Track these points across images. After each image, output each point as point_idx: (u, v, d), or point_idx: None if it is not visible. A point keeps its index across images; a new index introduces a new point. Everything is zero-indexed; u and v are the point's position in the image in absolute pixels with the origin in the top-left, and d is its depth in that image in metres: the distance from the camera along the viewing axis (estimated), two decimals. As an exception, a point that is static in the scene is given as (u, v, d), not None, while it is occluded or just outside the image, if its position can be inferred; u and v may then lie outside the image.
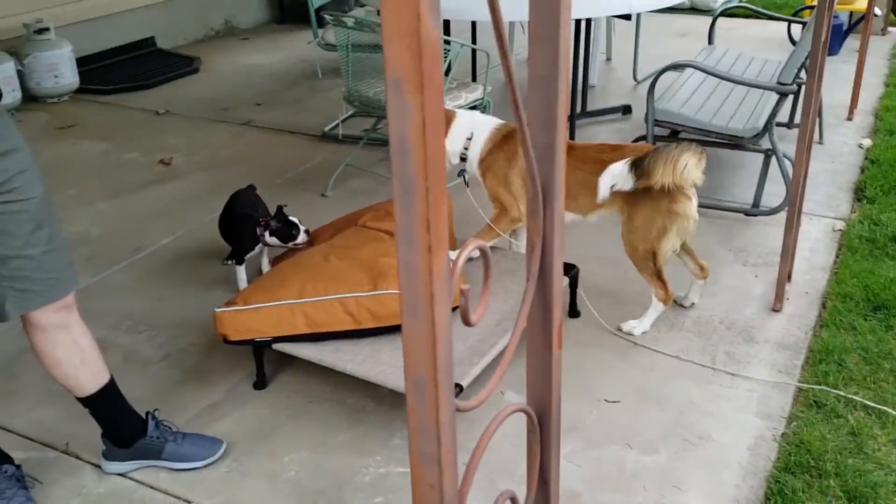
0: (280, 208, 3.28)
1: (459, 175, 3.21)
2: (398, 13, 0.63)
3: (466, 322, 0.83)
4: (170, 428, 2.50)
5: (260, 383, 2.83)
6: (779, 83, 3.79)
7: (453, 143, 3.11)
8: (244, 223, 3.29)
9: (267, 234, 3.21)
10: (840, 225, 3.84)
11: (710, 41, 5.15)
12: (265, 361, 2.82)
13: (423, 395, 0.76)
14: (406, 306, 0.73)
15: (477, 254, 0.86)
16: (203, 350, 3.05)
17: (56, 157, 4.90)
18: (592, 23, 5.17)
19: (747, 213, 3.96)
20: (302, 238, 3.23)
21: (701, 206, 4.13)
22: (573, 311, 3.19)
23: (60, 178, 4.58)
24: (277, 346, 2.75)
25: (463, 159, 3.13)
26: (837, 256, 3.58)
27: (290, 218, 3.24)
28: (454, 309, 0.84)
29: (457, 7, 3.93)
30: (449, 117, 3.11)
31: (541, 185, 0.90)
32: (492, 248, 3.21)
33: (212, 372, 2.93)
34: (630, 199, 2.90)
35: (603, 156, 2.93)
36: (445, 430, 0.76)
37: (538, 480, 1.09)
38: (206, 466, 2.48)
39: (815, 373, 2.81)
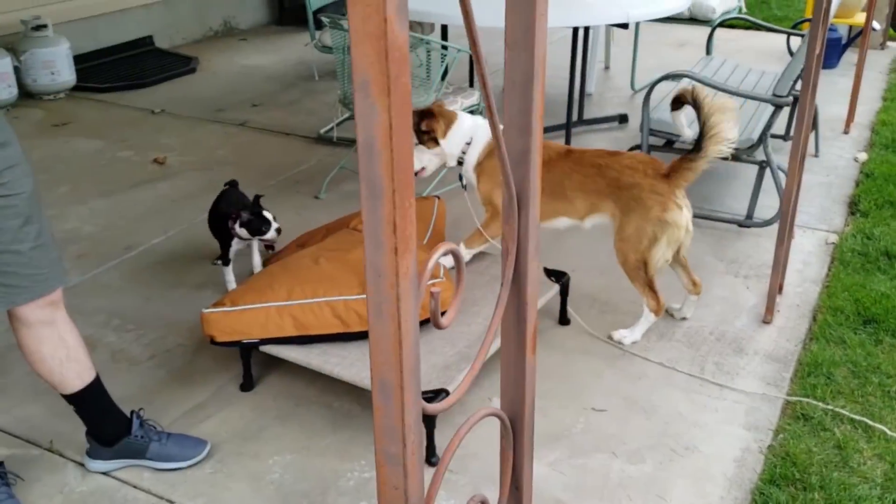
0: (257, 198, 3.25)
1: (461, 179, 3.20)
2: (365, 15, 0.62)
3: (437, 325, 0.82)
4: (154, 427, 2.49)
5: (246, 385, 2.81)
6: (774, 95, 3.79)
7: (452, 147, 3.09)
8: (224, 221, 3.29)
9: (237, 225, 3.19)
10: (833, 238, 3.84)
11: (709, 52, 5.16)
12: (252, 363, 2.80)
13: (389, 396, 0.75)
14: (372, 307, 0.73)
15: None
16: (190, 350, 3.03)
17: (50, 154, 4.90)
18: (590, 31, 5.18)
19: (741, 225, 3.95)
20: (272, 235, 3.20)
21: (695, 216, 4.14)
22: (563, 319, 3.19)
23: (54, 175, 4.57)
24: (265, 348, 2.74)
25: (460, 163, 3.13)
26: (829, 270, 3.58)
27: (265, 213, 3.20)
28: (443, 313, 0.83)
29: (450, 13, 3.94)
30: (450, 119, 3.10)
31: (515, 190, 0.90)
32: (483, 253, 3.20)
33: (198, 372, 2.92)
34: (622, 207, 2.89)
35: (600, 160, 2.93)
36: (411, 432, 0.76)
37: (510, 485, 1.08)
38: (189, 467, 2.47)
39: (803, 385, 2.81)
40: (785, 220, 3.12)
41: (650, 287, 2.96)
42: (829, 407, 2.69)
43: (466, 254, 3.14)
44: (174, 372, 2.92)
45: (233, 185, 3.57)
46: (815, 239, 3.85)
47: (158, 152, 4.89)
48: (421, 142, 3.09)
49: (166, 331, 3.15)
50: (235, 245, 3.26)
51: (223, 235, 3.30)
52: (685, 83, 4.51)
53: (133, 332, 3.16)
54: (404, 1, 0.63)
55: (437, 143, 3.08)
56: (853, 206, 4.18)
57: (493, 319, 0.92)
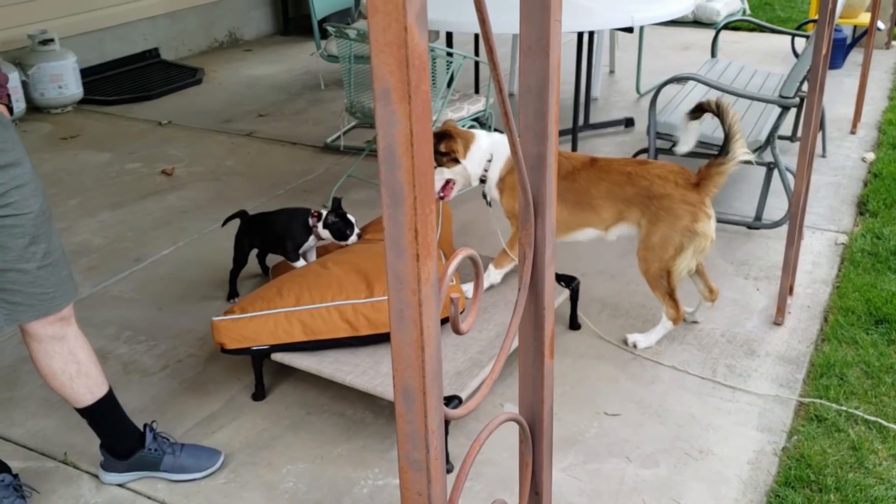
0: (338, 201, 3.18)
1: (484, 197, 3.18)
2: (386, 24, 0.63)
3: (456, 330, 0.82)
4: (167, 440, 2.49)
5: (259, 394, 2.82)
6: (780, 97, 3.78)
7: (474, 165, 3.06)
8: (294, 216, 3.21)
9: (321, 225, 3.15)
10: (843, 238, 3.83)
11: (713, 54, 5.16)
12: (264, 372, 2.81)
13: (413, 401, 0.75)
14: (394, 313, 0.73)
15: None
16: (202, 361, 3.04)
17: (59, 167, 4.92)
18: (595, 35, 5.18)
19: (749, 227, 3.94)
20: (353, 240, 3.13)
21: None
22: (574, 324, 3.18)
23: (63, 188, 4.59)
24: (276, 357, 2.74)
25: (483, 181, 3.11)
26: (839, 270, 3.57)
27: (349, 216, 3.13)
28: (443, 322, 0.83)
29: (455, 20, 3.96)
30: (469, 139, 3.07)
31: (532, 196, 0.90)
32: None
33: (211, 382, 2.92)
34: (650, 216, 2.88)
35: (629, 168, 2.92)
36: (434, 438, 0.76)
37: (530, 491, 1.08)
38: (204, 478, 2.48)
39: (816, 387, 2.80)
40: (794, 221, 3.11)
41: (671, 296, 2.95)
42: (843, 408, 2.68)
43: (496, 275, 3.11)
44: (186, 382, 2.93)
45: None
46: (825, 239, 3.84)
47: (166, 164, 4.91)
48: (440, 164, 3.06)
49: (178, 341, 3.16)
50: (308, 244, 3.21)
51: (289, 231, 3.22)
52: (692, 87, 4.52)
53: (144, 343, 3.16)
54: (424, 9, 0.64)
55: (457, 163, 3.06)
56: (862, 206, 4.17)
57: (512, 323, 0.93)
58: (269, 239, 3.32)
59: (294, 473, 2.50)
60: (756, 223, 3.95)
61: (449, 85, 4.05)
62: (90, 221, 4.21)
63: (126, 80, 6.48)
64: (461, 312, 2.63)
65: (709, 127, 4.04)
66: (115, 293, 3.53)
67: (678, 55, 6.94)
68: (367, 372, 2.62)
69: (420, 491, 0.79)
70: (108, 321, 3.30)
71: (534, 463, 1.07)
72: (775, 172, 3.94)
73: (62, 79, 5.84)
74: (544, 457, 1.08)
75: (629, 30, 4.65)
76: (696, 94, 4.41)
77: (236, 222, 3.42)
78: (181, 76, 6.60)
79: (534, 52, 0.86)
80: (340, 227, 3.12)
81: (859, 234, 3.84)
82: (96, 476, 2.48)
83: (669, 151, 4.36)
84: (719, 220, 4.05)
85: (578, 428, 2.66)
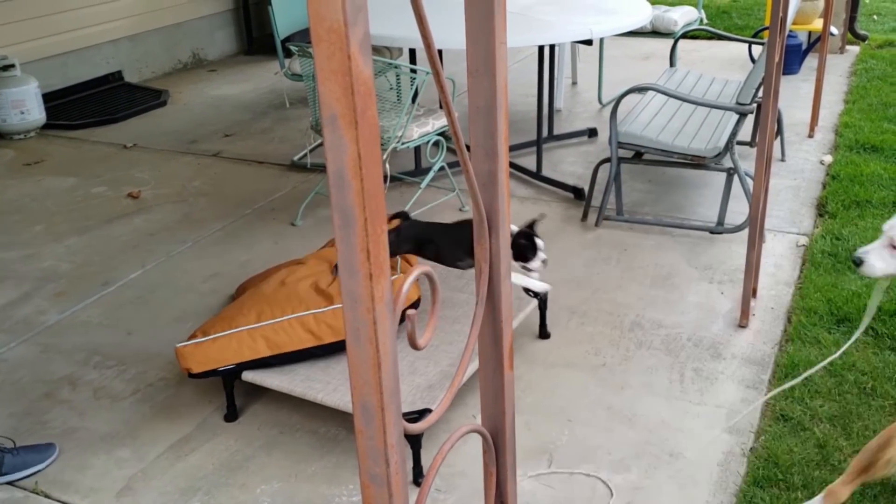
0: (533, 223, 2.98)
1: None
2: (329, 52, 0.65)
3: (414, 346, 0.85)
4: (3, 446, 2.61)
5: (231, 415, 2.81)
6: (737, 103, 3.86)
7: None
8: (462, 229, 3.00)
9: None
10: (803, 240, 3.91)
11: (672, 63, 5.24)
12: (235, 394, 2.80)
13: (371, 418, 0.77)
14: (350, 332, 0.75)
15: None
16: (173, 384, 3.03)
17: (24, 193, 4.88)
18: (556, 48, 5.25)
19: (712, 231, 4.01)
20: (536, 265, 2.92)
21: (667, 225, 4.21)
22: (544, 333, 3.21)
23: (28, 214, 4.55)
24: (247, 377, 2.74)
25: None
26: (801, 271, 3.64)
27: (537, 239, 2.93)
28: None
29: (403, 36, 4.04)
30: None
31: (486, 212, 0.93)
32: (461, 273, 3.23)
33: (182, 406, 2.91)
34: None
35: None
36: (394, 452, 0.78)
37: (495, 501, 1.10)
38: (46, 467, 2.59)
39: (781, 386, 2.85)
40: (755, 224, 3.17)
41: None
42: (808, 406, 2.74)
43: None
44: (158, 406, 2.91)
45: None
46: (786, 242, 3.91)
47: (132, 186, 4.89)
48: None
49: (148, 365, 3.14)
50: None
51: (460, 243, 3.01)
52: (652, 96, 4.59)
53: (114, 367, 3.14)
54: (367, 37, 0.66)
55: None
56: (821, 208, 4.25)
57: (470, 338, 0.95)
58: (439, 249, 3.07)
59: (268, 493, 2.49)
60: (718, 228, 4.01)
61: (413, 100, 4.08)
62: (56, 247, 4.17)
63: (90, 103, 6.44)
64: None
65: (668, 135, 4.11)
66: (84, 318, 3.51)
67: (639, 65, 7.04)
68: (339, 389, 2.63)
69: (382, 504, 0.80)
70: (77, 347, 3.27)
71: (498, 473, 1.09)
72: (735, 178, 4.01)
73: (24, 104, 5.79)
74: (508, 466, 1.10)
75: (589, 42, 4.72)
76: (655, 102, 4.48)
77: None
78: (146, 98, 6.56)
79: (481, 74, 0.89)
80: (525, 250, 2.92)
81: (819, 235, 3.92)
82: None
83: (631, 160, 4.43)
84: (682, 227, 4.14)
85: (550, 436, 2.68)
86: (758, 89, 3.83)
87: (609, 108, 5.14)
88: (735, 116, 3.98)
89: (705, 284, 3.56)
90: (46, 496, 2.51)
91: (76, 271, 3.92)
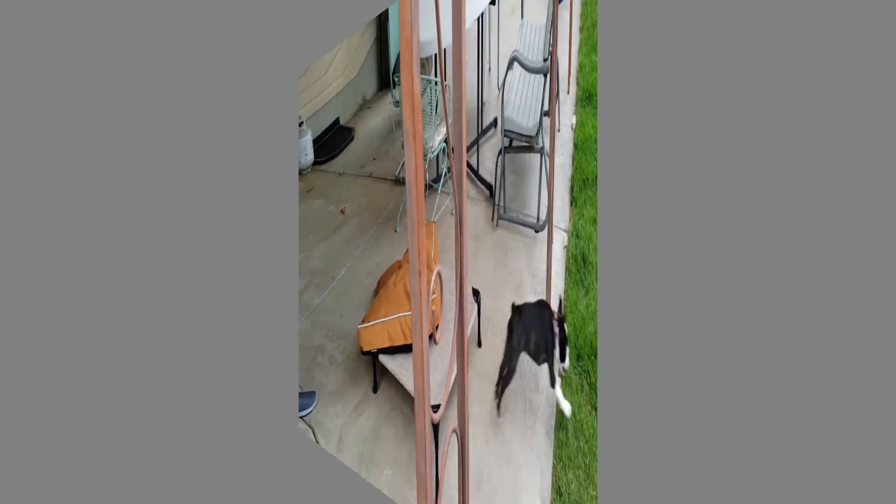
0: (562, 304, 3.14)
1: None
2: (407, 75, 0.86)
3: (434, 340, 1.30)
4: (301, 389, 3.12)
5: (374, 388, 3.53)
6: (544, 60, 3.41)
7: None
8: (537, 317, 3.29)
9: None
10: (566, 239, 4.19)
11: (522, 15, 4.91)
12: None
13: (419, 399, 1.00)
14: (416, 326, 0.93)
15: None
16: (355, 357, 3.91)
17: (303, 211, 5.42)
18: (484, 30, 4.82)
19: (536, 230, 4.01)
20: (566, 365, 3.12)
21: (518, 223, 4.65)
22: (479, 341, 3.73)
23: (306, 226, 5.17)
24: (381, 359, 3.45)
25: None
26: (566, 285, 4.05)
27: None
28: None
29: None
30: None
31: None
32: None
33: (360, 375, 3.71)
34: None
35: None
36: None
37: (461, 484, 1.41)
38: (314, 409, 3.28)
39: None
40: (550, 227, 3.37)
41: None
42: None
43: None
44: (349, 373, 3.79)
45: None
46: (559, 240, 4.13)
47: (342, 204, 5.55)
48: None
49: (347, 341, 4.08)
50: None
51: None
52: (519, 70, 4.12)
53: (337, 341, 4.13)
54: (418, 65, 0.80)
55: None
56: (572, 193, 4.26)
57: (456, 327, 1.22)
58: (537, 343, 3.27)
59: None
60: (539, 225, 4.12)
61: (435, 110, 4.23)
62: (315, 250, 4.98)
63: (328, 144, 6.89)
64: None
65: (522, 116, 3.97)
66: (326, 304, 4.52)
67: (514, 25, 6.58)
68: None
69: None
70: (324, 325, 4.29)
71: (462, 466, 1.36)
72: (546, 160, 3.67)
73: (306, 149, 6.42)
74: (465, 460, 1.39)
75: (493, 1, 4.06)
76: (522, 79, 4.10)
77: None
78: (348, 136, 7.20)
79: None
80: (564, 344, 3.03)
81: (572, 233, 4.10)
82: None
83: (515, 150, 4.18)
84: (524, 224, 4.35)
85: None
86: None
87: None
88: (542, 79, 3.49)
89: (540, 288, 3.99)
90: (313, 431, 3.40)
91: (323, 268, 4.89)
